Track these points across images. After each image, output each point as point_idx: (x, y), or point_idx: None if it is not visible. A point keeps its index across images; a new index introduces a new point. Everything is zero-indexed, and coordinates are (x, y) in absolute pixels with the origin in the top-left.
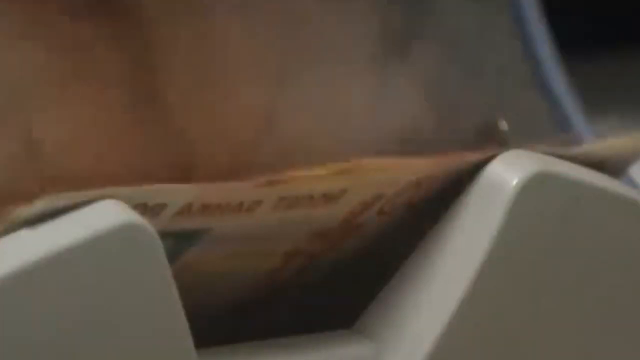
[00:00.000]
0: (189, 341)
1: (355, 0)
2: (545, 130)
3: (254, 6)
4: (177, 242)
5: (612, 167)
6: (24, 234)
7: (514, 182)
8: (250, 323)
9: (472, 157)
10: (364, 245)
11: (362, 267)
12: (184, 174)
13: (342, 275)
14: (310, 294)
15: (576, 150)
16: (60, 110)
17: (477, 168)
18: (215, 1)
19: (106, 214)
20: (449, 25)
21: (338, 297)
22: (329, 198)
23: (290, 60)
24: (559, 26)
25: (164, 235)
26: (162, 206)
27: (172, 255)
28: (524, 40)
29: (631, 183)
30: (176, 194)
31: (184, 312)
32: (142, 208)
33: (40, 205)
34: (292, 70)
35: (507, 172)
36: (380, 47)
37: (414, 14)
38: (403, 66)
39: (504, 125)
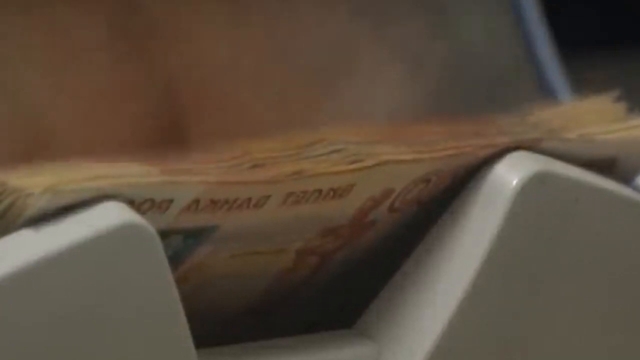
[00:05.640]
0: (189, 341)
1: None
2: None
3: None
4: (185, 240)
5: (624, 165)
6: (25, 233)
7: (514, 182)
8: (263, 324)
9: (480, 152)
10: (377, 244)
11: (372, 267)
12: (175, 136)
13: (353, 275)
14: (321, 295)
15: (588, 144)
16: (49, 74)
17: (484, 164)
18: None
19: (107, 214)
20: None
21: (344, 297)
22: (337, 193)
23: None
24: (559, 26)
25: (172, 232)
26: (169, 202)
27: (181, 255)
28: (524, 40)
29: (637, 188)
30: (182, 189)
31: (184, 312)
32: (150, 204)
33: (42, 203)
34: (283, 33)
35: (508, 173)
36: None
37: None
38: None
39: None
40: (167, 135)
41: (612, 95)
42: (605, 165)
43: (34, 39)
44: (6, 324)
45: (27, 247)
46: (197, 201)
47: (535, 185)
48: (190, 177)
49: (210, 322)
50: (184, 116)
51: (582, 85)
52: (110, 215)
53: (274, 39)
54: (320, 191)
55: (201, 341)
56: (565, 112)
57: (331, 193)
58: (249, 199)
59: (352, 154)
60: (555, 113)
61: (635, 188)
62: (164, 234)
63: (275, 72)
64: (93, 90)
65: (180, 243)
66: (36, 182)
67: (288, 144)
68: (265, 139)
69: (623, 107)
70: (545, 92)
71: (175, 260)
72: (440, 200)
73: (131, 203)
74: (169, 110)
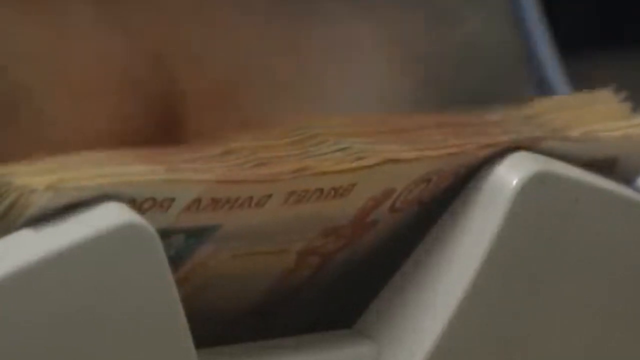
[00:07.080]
0: (189, 341)
1: None
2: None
3: None
4: (187, 239)
5: (625, 165)
6: (25, 233)
7: (514, 182)
8: (263, 325)
9: (481, 152)
10: (378, 244)
11: (373, 267)
12: (169, 130)
13: (354, 275)
14: (322, 295)
15: (590, 141)
16: (37, 51)
17: (484, 164)
18: None
19: (107, 214)
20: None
21: (344, 297)
22: (338, 192)
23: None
24: (559, 26)
25: (174, 232)
26: (170, 201)
27: (183, 255)
28: (524, 40)
29: (637, 189)
30: (184, 188)
31: (185, 312)
32: (151, 203)
33: (44, 201)
34: (280, 19)
35: (508, 173)
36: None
37: None
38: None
39: None
40: (157, 112)
41: (616, 93)
42: (605, 166)
43: (19, 19)
44: (6, 324)
45: (27, 247)
46: (198, 200)
47: (535, 185)
48: (192, 175)
49: (211, 322)
50: (176, 94)
51: (582, 85)
52: (110, 215)
53: (270, 22)
54: (321, 190)
55: (201, 341)
56: (568, 110)
57: (332, 192)
58: (251, 198)
59: (355, 152)
60: (559, 112)
61: (635, 188)
62: (166, 233)
63: (267, 55)
64: (80, 68)
65: (182, 242)
66: (39, 181)
67: (293, 144)
68: (265, 132)
69: (628, 107)
70: (545, 92)
71: (176, 259)
72: (441, 200)
73: (132, 202)
74: (159, 87)
